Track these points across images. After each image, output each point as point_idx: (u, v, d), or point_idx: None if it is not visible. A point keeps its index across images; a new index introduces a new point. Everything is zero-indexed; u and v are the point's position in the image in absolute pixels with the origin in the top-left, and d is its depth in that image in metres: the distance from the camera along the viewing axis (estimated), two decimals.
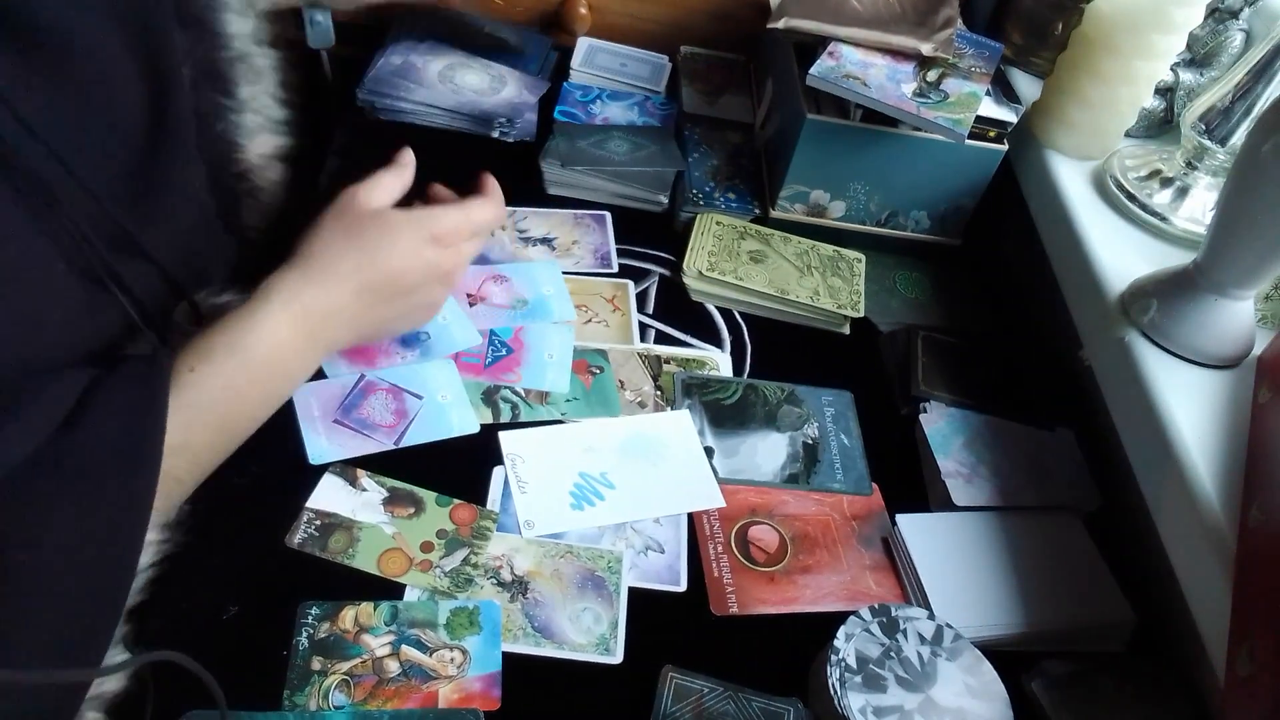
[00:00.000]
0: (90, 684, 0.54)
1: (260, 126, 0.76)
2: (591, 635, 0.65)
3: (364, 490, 0.70)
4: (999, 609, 0.71)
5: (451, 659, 0.62)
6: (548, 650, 0.64)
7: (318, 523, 0.68)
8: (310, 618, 0.63)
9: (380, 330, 0.73)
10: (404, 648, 0.62)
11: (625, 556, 0.70)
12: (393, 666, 0.61)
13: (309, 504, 0.68)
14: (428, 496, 0.71)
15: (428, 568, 0.66)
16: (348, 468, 0.71)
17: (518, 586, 0.67)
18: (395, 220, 0.69)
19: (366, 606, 0.64)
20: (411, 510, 0.70)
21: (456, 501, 0.71)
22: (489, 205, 0.74)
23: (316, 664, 0.61)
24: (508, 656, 0.63)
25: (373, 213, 0.68)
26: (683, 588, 0.70)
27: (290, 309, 0.64)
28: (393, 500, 0.70)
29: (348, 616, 0.63)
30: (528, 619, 0.65)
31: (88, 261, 0.58)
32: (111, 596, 0.53)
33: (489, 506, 0.71)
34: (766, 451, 0.80)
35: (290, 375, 0.66)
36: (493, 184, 0.77)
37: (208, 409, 0.60)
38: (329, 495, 0.69)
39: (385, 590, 0.65)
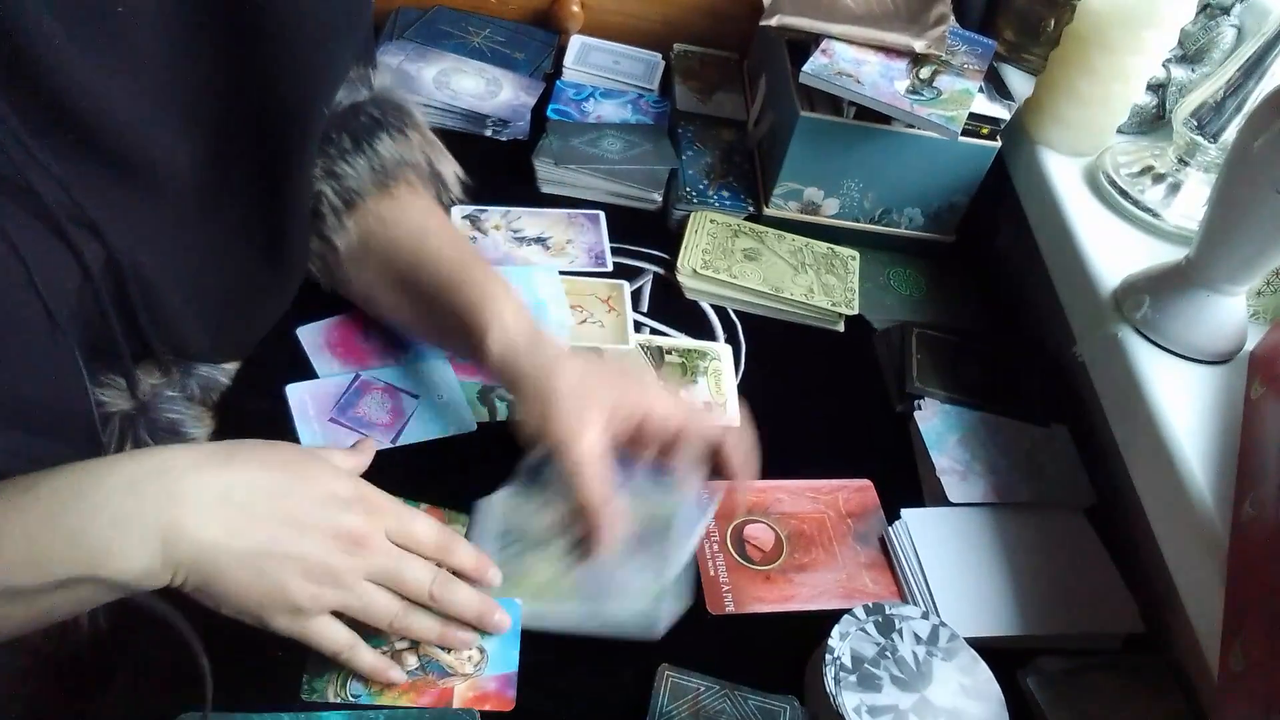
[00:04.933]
0: None
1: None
2: (645, 596, 0.65)
3: None
4: (1005, 609, 0.72)
5: (469, 657, 0.62)
6: (586, 622, 0.64)
7: None
8: None
9: (242, 566, 0.51)
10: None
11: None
12: (411, 661, 0.61)
13: None
14: None
15: None
16: None
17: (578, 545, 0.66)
18: (329, 456, 0.60)
19: None
20: None
21: (425, 506, 0.70)
22: (436, 528, 0.59)
23: None
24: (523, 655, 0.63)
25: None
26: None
27: (148, 465, 0.50)
28: None
29: None
30: (577, 579, 0.65)
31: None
32: None
33: (493, 503, 0.70)
34: None
35: (84, 553, 0.47)
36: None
37: None
38: None
39: None
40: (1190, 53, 0.98)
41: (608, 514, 0.63)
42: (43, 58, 0.47)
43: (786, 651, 0.67)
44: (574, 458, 0.62)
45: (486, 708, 0.60)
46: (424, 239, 0.72)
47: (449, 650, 0.62)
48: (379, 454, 0.72)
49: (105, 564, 0.48)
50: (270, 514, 0.52)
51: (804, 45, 0.95)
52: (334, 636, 0.57)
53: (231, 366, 0.71)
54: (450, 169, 0.77)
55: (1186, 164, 0.88)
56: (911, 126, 0.92)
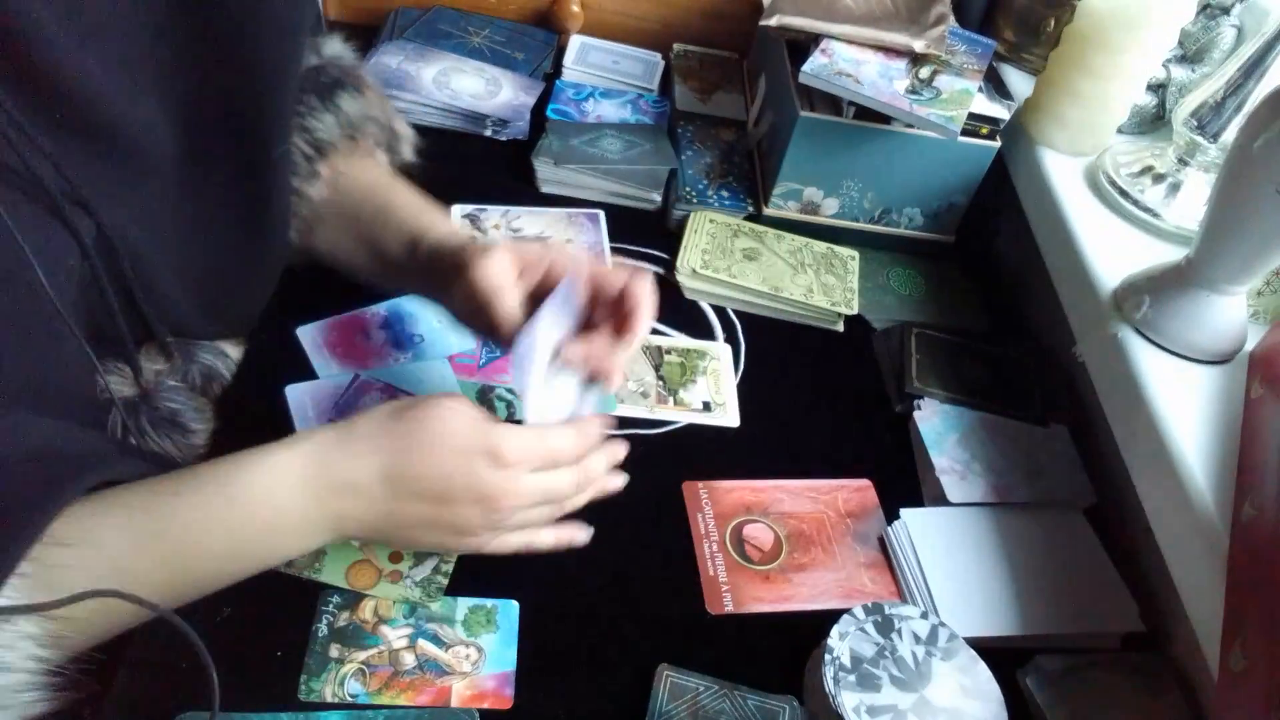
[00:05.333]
0: None
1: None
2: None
3: None
4: (1004, 609, 0.71)
5: (467, 655, 0.63)
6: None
7: None
8: (331, 605, 0.63)
9: (402, 534, 0.59)
10: (420, 641, 0.63)
11: None
12: (408, 659, 0.62)
13: None
14: None
15: (398, 578, 0.66)
16: None
17: None
18: (454, 418, 0.57)
19: (386, 599, 0.64)
20: None
21: None
22: (571, 436, 0.60)
23: (334, 651, 0.61)
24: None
25: (436, 402, 0.58)
26: None
27: (308, 464, 0.55)
28: None
29: (367, 607, 0.64)
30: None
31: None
32: None
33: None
34: None
35: (279, 539, 0.56)
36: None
37: (167, 541, 0.52)
38: None
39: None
40: (1190, 53, 0.98)
41: (506, 303, 0.63)
42: (28, 33, 0.48)
43: (786, 651, 0.67)
44: (474, 278, 0.62)
45: (485, 706, 0.60)
46: (376, 184, 0.75)
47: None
48: None
49: (291, 546, 0.57)
50: (401, 494, 0.56)
51: (804, 45, 0.95)
52: (518, 545, 0.61)
53: (234, 356, 0.71)
54: (403, 126, 0.80)
55: (1186, 164, 0.88)
56: (911, 126, 0.92)
